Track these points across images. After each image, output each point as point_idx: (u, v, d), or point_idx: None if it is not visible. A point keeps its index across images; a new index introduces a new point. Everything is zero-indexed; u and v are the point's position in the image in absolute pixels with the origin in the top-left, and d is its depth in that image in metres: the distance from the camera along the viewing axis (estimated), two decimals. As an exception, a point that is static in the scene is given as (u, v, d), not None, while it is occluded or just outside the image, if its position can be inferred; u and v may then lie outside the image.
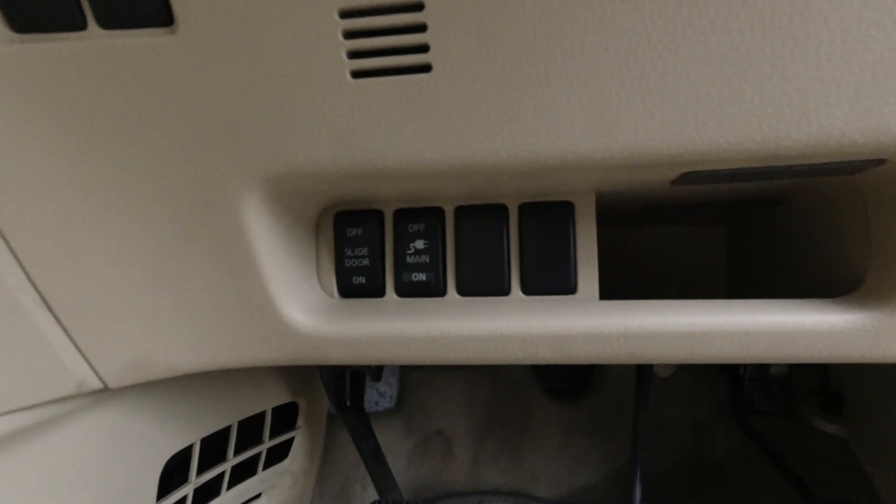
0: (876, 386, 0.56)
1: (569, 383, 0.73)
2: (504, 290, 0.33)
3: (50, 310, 0.31)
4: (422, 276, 0.34)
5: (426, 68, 0.24)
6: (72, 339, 0.32)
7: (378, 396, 0.75)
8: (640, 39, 0.23)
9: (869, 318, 0.28)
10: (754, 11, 0.22)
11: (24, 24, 0.25)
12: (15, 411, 0.32)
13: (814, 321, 0.28)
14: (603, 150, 0.25)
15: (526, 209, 0.33)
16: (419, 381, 0.76)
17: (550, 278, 0.33)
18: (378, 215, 0.35)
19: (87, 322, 0.32)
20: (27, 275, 0.30)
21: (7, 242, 0.29)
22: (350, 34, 0.24)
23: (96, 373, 0.33)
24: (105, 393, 0.35)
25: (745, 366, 0.66)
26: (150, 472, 0.43)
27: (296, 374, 0.63)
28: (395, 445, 0.74)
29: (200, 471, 0.49)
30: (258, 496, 0.59)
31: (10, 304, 0.30)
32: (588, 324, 0.30)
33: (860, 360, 0.29)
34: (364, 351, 0.33)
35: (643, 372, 0.53)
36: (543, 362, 0.32)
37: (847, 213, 0.32)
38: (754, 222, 0.47)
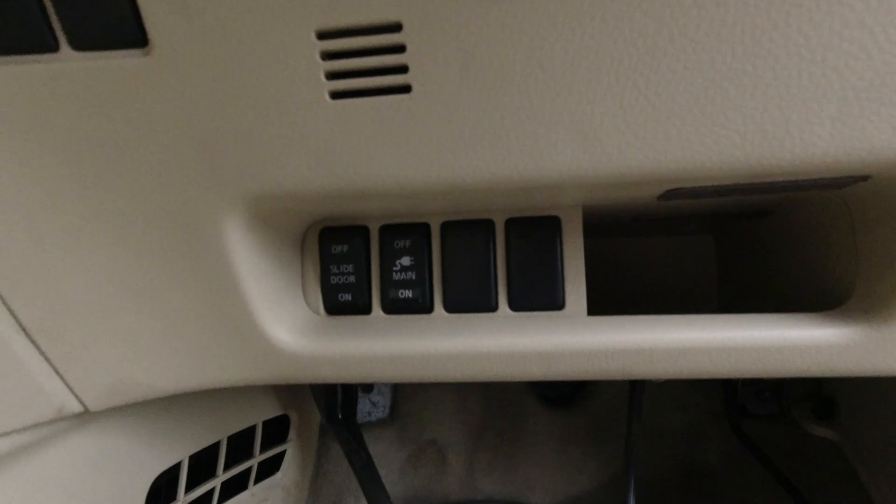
0: (868, 391, 0.56)
1: (562, 391, 0.73)
2: (491, 307, 0.33)
3: (27, 334, 0.30)
4: (408, 293, 0.34)
5: (406, 89, 0.24)
6: (50, 364, 0.31)
7: (371, 407, 0.75)
8: (622, 59, 0.23)
9: (857, 333, 0.28)
10: (736, 31, 0.22)
11: (-6, 46, 0.25)
12: (-6, 437, 0.32)
13: (802, 336, 0.28)
14: (587, 169, 0.25)
15: (512, 224, 0.33)
16: (412, 390, 0.76)
17: (538, 294, 0.32)
18: (363, 231, 0.34)
19: (66, 346, 0.31)
20: (1, 298, 0.30)
21: (-19, 266, 0.29)
22: (328, 55, 0.24)
23: (77, 396, 0.33)
24: (87, 415, 0.34)
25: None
26: (136, 492, 0.42)
27: (286, 387, 0.62)
28: (388, 456, 0.74)
29: (190, 488, 0.49)
30: (250, 511, 0.58)
31: (-15, 329, 0.30)
32: (576, 340, 0.30)
33: (849, 374, 0.29)
34: (351, 369, 0.32)
35: (636, 379, 0.52)
36: (532, 379, 0.32)
37: (834, 226, 0.32)
38: (744, 233, 0.47)
